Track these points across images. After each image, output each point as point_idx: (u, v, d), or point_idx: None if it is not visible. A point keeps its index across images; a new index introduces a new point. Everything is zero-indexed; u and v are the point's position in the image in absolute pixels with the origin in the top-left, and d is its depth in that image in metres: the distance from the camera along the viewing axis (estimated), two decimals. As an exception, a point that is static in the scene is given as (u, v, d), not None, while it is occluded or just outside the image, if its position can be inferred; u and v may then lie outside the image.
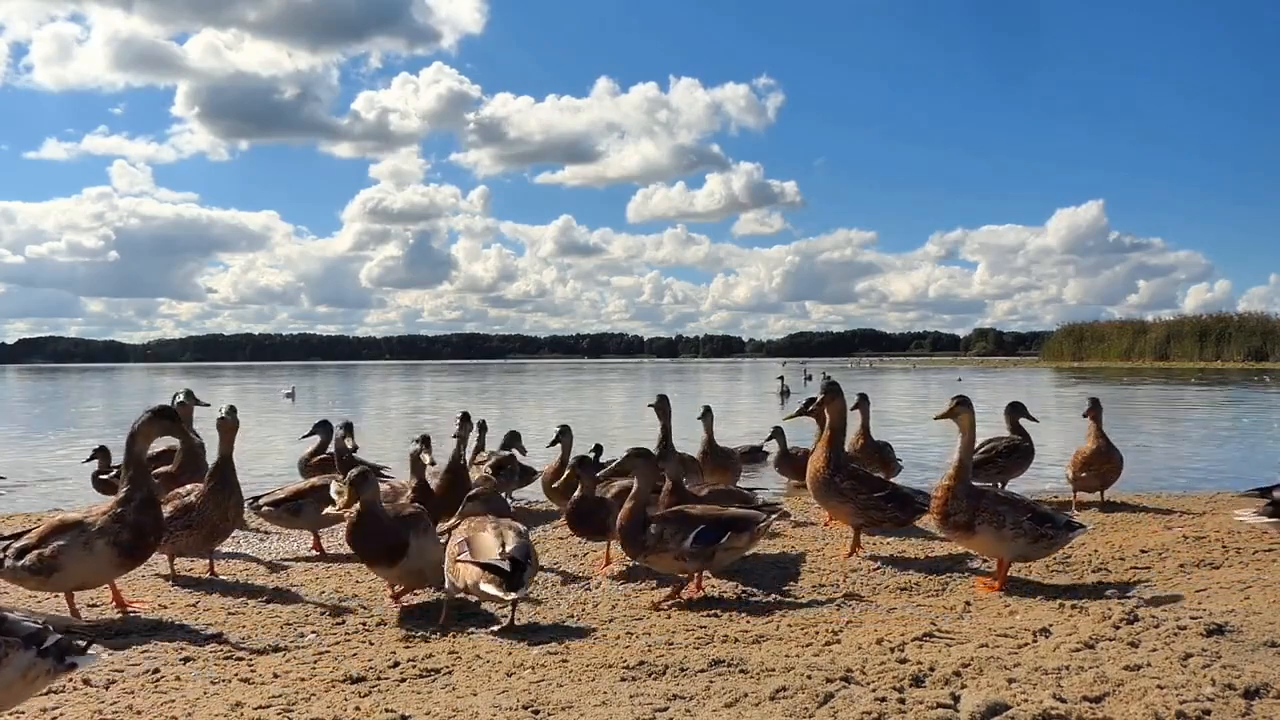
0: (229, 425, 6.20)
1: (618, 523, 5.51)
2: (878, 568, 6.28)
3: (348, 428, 8.54)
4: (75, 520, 4.99)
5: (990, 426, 9.38)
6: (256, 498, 7.21)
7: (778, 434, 10.02)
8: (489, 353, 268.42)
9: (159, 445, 7.67)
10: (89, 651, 3.22)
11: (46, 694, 3.84)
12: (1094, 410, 8.59)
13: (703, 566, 5.44)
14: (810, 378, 46.67)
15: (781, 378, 38.88)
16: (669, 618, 5.06)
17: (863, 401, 9.33)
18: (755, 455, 11.53)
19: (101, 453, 9.23)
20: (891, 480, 7.45)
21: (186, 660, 4.36)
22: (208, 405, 9.03)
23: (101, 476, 8.97)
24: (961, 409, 5.70)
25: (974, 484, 5.63)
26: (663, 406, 7.89)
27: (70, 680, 3.95)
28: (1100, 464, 8.48)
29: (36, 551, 4.89)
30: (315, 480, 7.38)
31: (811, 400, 7.64)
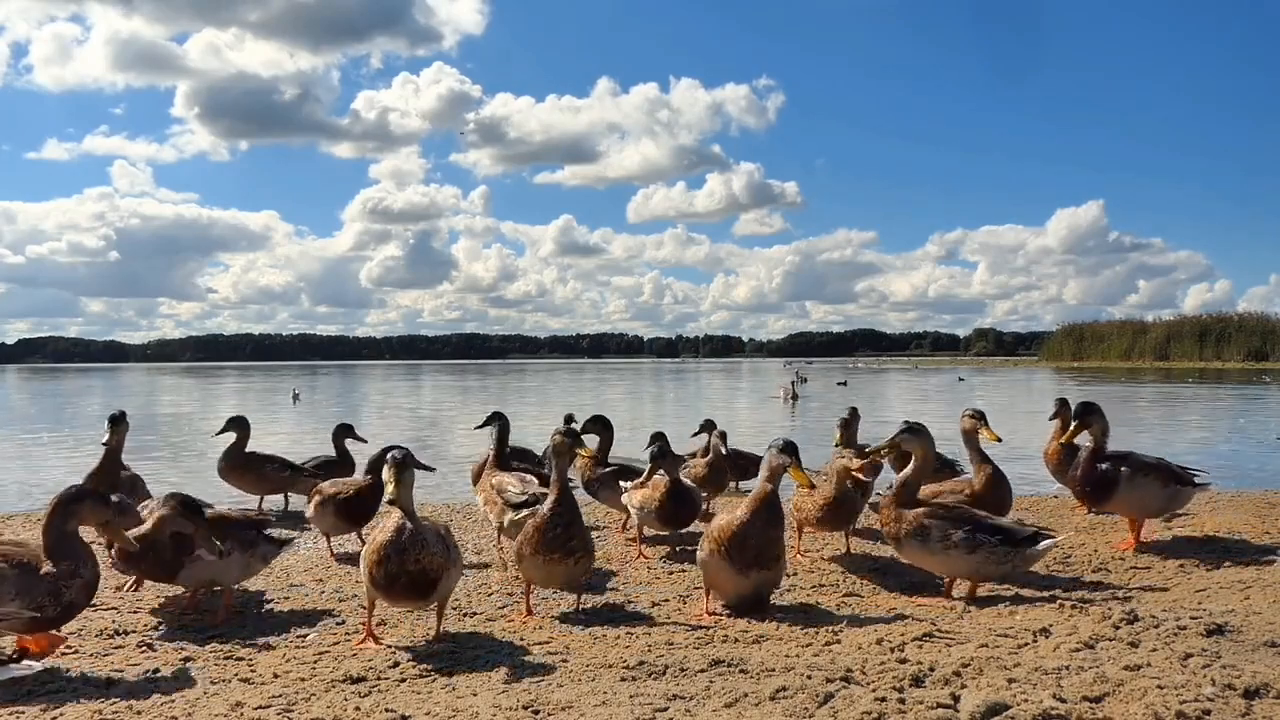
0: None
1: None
2: (877, 568, 6.28)
3: (348, 429, 8.62)
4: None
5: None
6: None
7: (708, 427, 8.58)
8: (489, 353, 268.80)
9: None
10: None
11: (46, 694, 3.84)
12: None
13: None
14: (801, 380, 46.50)
15: (793, 381, 38.31)
16: (669, 617, 5.05)
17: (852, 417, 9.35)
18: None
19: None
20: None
21: (186, 660, 4.36)
22: (433, 470, 7.32)
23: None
24: (912, 439, 5.41)
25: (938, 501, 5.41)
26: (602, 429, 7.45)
27: (70, 681, 3.96)
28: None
29: None
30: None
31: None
